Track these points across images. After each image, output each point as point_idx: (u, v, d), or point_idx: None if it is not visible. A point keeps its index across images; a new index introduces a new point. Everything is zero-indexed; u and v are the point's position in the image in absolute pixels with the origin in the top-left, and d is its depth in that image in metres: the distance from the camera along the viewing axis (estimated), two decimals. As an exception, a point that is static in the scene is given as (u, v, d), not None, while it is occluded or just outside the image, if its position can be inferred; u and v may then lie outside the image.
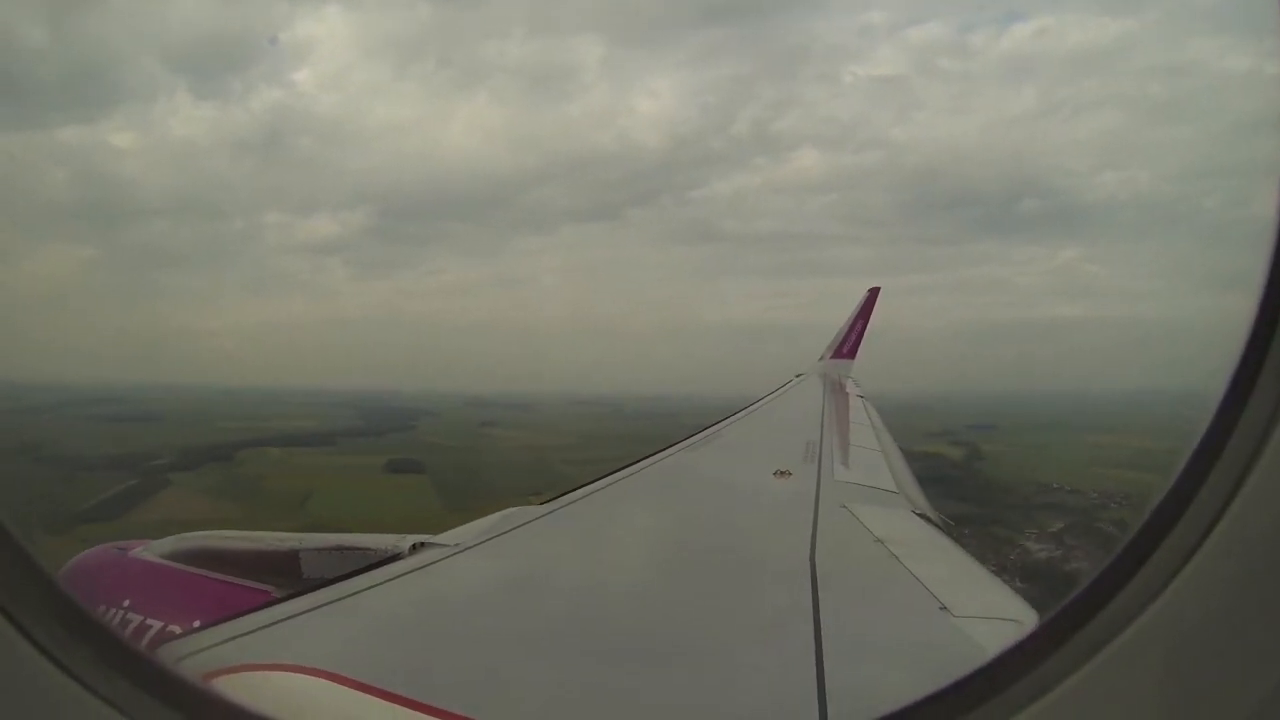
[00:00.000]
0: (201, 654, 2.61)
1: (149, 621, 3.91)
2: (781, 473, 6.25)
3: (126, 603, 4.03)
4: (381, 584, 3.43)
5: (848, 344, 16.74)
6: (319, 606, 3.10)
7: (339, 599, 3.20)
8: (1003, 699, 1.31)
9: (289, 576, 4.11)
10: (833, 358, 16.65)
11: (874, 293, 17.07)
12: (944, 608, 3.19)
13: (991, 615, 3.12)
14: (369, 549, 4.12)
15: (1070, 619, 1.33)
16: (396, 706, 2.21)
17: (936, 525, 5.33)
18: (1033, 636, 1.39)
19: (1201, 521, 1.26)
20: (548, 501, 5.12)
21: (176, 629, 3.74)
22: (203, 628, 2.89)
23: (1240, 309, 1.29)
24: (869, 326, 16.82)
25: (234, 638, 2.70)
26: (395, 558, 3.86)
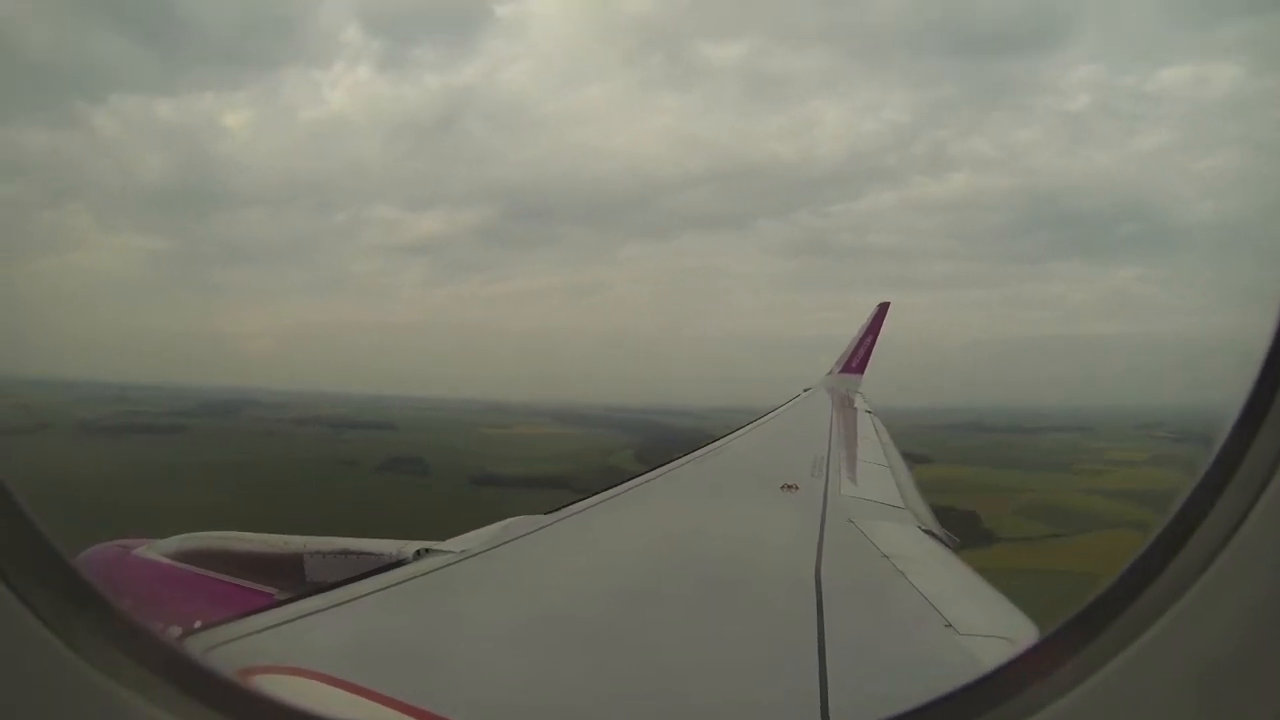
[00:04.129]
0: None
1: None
2: (789, 486, 6.23)
3: (128, 602, 4.04)
4: (385, 589, 3.43)
5: (856, 359, 16.66)
6: (322, 610, 3.09)
7: (342, 603, 3.20)
8: (1019, 700, 1.31)
9: (292, 579, 4.11)
10: (841, 372, 16.57)
11: (883, 308, 17.00)
12: (949, 625, 3.16)
13: (997, 633, 3.09)
14: (373, 553, 4.12)
15: (1088, 622, 1.32)
16: (396, 712, 2.20)
17: (943, 542, 5.29)
18: (1050, 639, 1.39)
19: (1227, 522, 1.25)
20: (551, 512, 5.11)
21: (178, 629, 3.75)
22: (204, 628, 2.89)
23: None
24: (879, 340, 16.77)
25: (235, 639, 2.70)
26: (399, 563, 3.86)
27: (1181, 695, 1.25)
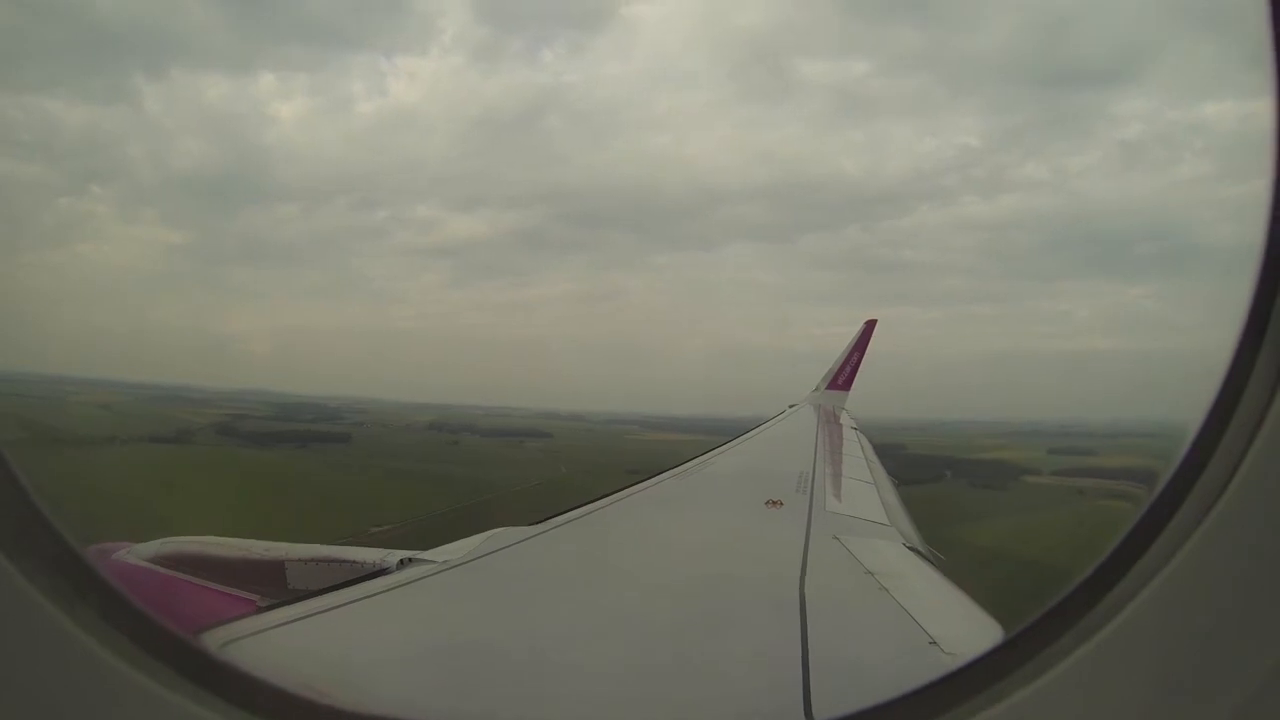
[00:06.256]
0: None
1: None
2: (773, 502, 6.23)
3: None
4: (367, 598, 3.40)
5: (843, 376, 16.76)
6: (303, 618, 3.06)
7: (323, 611, 3.17)
8: (1001, 684, 1.33)
9: (274, 586, 4.07)
10: (828, 389, 16.65)
11: (870, 325, 17.15)
12: (933, 642, 3.16)
13: (981, 650, 3.09)
14: (355, 562, 4.09)
15: (1067, 608, 1.36)
16: None
17: (927, 559, 5.31)
18: (1031, 625, 1.41)
19: (1199, 509, 1.29)
20: (535, 524, 5.09)
21: None
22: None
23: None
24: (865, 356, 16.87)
25: (215, 647, 2.67)
26: (382, 572, 3.83)
27: (1143, 687, 1.29)
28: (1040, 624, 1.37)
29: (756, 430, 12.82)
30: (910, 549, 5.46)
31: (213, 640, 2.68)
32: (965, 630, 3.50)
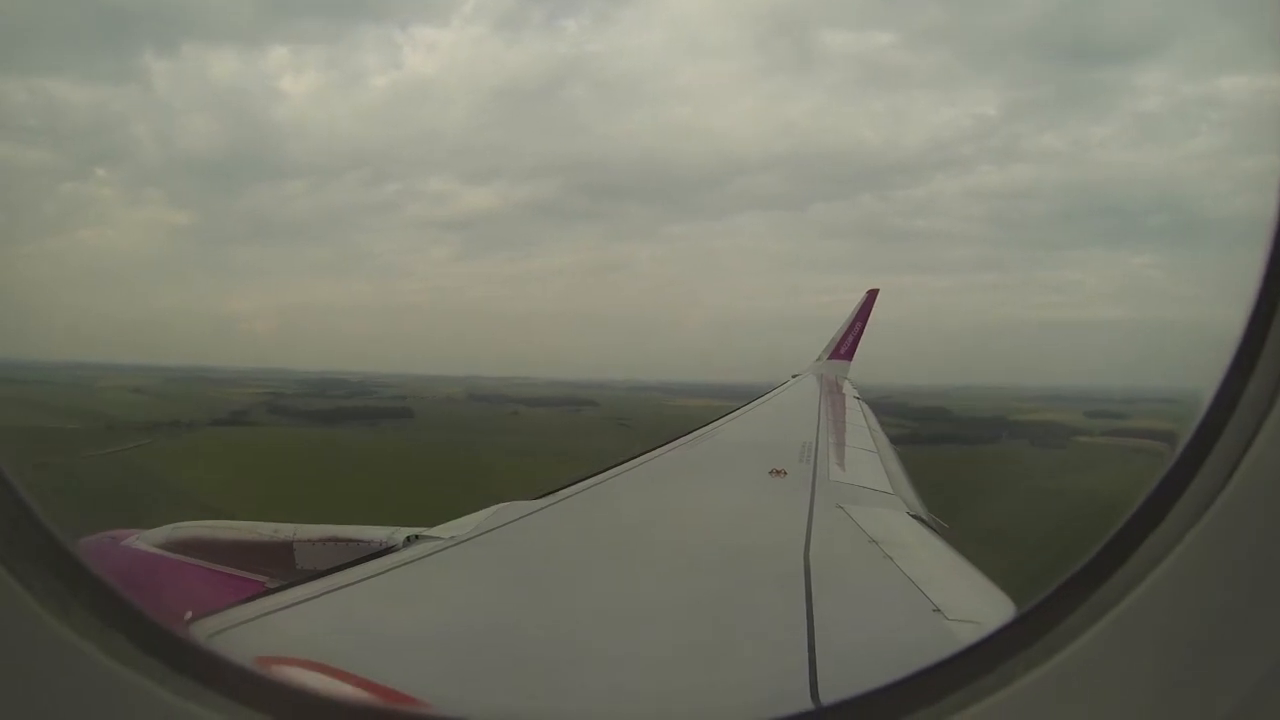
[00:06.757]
0: None
1: None
2: (777, 472, 6.26)
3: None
4: (376, 576, 3.43)
5: (845, 345, 16.74)
6: (312, 598, 3.09)
7: (332, 590, 3.20)
8: (998, 672, 1.34)
9: (283, 567, 4.11)
10: (830, 358, 16.65)
11: (872, 294, 17.07)
12: (937, 610, 3.19)
13: (985, 618, 3.12)
14: (363, 541, 4.13)
15: (1066, 596, 1.36)
16: (388, 699, 2.21)
17: (930, 527, 5.34)
18: (1028, 613, 1.42)
19: (1213, 484, 1.28)
20: (541, 496, 5.12)
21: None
22: (194, 619, 2.88)
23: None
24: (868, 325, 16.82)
25: (225, 629, 2.69)
26: (389, 550, 3.86)
27: (1146, 673, 1.29)
28: (1050, 601, 1.37)
29: (760, 400, 12.84)
30: (914, 517, 5.50)
31: (219, 623, 2.71)
32: (968, 598, 3.53)
